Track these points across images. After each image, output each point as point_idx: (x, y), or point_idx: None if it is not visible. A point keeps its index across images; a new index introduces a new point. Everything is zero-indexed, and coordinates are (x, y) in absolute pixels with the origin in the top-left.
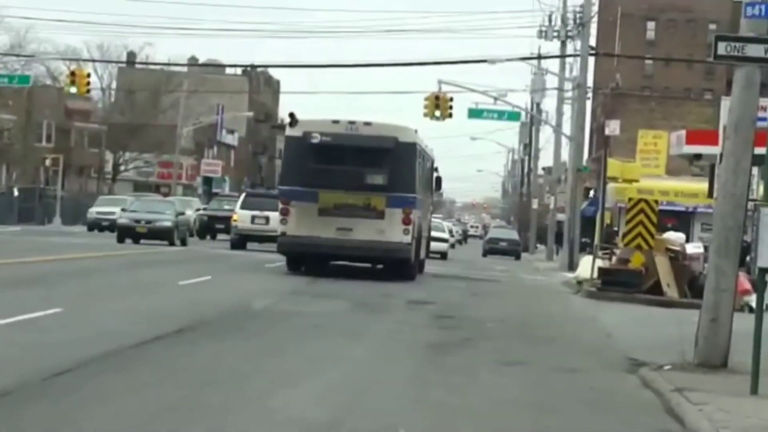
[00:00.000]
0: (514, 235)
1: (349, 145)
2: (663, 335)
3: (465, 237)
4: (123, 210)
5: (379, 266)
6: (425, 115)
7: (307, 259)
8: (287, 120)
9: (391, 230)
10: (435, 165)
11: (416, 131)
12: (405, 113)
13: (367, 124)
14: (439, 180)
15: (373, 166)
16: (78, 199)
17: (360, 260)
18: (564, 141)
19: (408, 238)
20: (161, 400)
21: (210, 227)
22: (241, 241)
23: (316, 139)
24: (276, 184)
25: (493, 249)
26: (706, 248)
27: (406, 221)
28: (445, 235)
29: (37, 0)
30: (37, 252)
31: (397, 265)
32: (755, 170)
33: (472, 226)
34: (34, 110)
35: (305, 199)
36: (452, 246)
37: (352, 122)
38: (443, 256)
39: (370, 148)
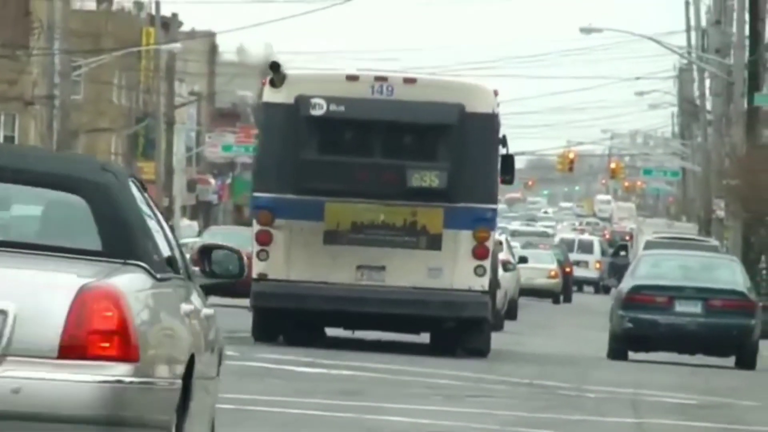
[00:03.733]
0: (727, 273)
1: (377, 120)
2: None
3: (565, 282)
4: None
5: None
6: None
7: (296, 321)
8: (266, 74)
9: (454, 269)
10: (503, 135)
11: (495, 93)
12: None
13: (410, 81)
14: (509, 162)
15: (422, 156)
16: None
17: (395, 325)
18: None
19: (483, 282)
20: None
21: None
22: None
23: (318, 108)
24: (250, 188)
25: (648, 329)
26: None
27: (480, 252)
28: (552, 265)
29: None
30: None
31: (461, 332)
32: None
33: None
34: None
35: (302, 215)
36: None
37: (382, 78)
38: (555, 299)
39: (415, 125)
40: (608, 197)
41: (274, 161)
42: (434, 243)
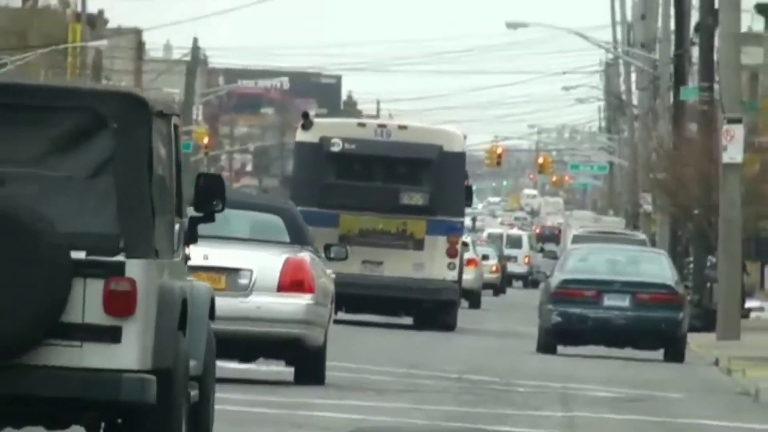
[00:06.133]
0: (655, 267)
1: (378, 155)
2: None
3: (503, 275)
4: None
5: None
6: None
7: None
8: (299, 121)
9: (433, 264)
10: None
11: (465, 137)
12: None
13: (403, 127)
14: (469, 191)
15: (411, 182)
16: None
17: (390, 306)
18: None
19: (453, 275)
20: None
21: None
22: None
23: (336, 146)
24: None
25: (577, 323)
26: None
27: (452, 252)
28: (494, 260)
29: None
30: None
31: (436, 311)
32: None
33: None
34: None
35: (322, 224)
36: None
37: (382, 125)
38: (495, 292)
39: (406, 160)
40: (534, 192)
41: (304, 184)
42: (419, 245)
